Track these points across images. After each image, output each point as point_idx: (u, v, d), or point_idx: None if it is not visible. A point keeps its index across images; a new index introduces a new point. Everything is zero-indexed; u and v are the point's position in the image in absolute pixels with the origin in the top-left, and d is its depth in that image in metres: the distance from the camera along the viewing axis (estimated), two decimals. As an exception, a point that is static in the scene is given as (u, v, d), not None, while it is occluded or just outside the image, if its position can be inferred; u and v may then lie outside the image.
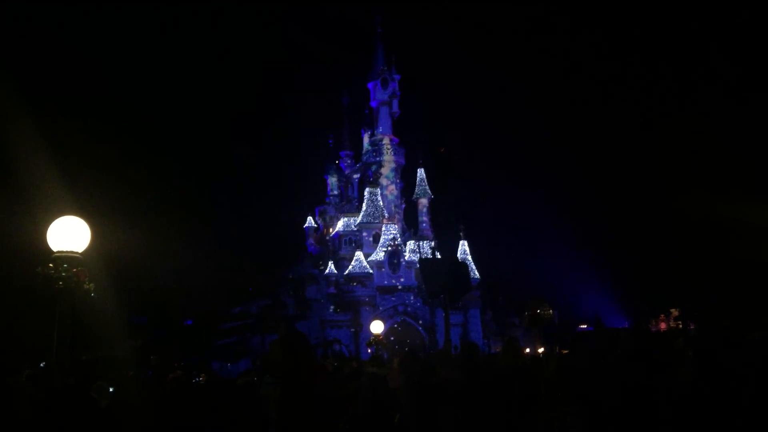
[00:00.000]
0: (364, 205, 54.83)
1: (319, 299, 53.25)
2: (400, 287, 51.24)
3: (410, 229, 56.88)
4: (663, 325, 57.41)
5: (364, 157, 59.43)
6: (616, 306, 60.78)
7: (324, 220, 61.86)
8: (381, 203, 54.40)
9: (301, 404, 5.77)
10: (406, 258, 51.85)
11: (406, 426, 6.41)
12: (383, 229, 53.03)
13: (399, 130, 59.20)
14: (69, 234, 6.63)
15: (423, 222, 55.81)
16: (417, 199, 56.34)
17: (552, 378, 6.86)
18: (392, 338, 47.48)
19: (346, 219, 56.41)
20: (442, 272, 13.82)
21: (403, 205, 58.32)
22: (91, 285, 6.62)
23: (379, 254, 51.96)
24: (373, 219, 53.63)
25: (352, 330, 49.45)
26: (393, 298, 50.91)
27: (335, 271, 53.22)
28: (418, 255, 49.31)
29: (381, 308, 49.59)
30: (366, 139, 61.13)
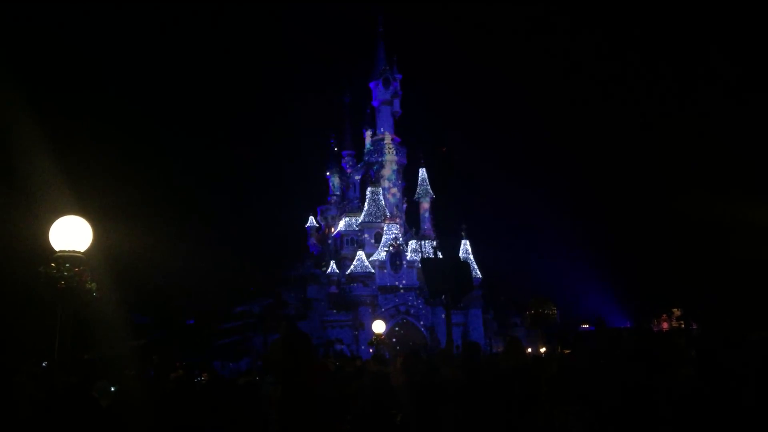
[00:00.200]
0: (365, 204, 54.85)
1: (321, 299, 53.28)
2: (401, 287, 51.23)
3: (412, 228, 56.88)
4: (665, 325, 57.37)
5: (366, 157, 59.44)
6: (618, 306, 60.78)
7: (326, 219, 61.92)
8: (383, 203, 54.42)
9: (302, 404, 5.77)
10: (407, 258, 51.86)
11: (408, 425, 6.42)
12: (385, 228, 53.04)
13: (400, 129, 59.27)
14: (71, 234, 6.64)
15: (425, 222, 55.78)
16: (419, 198, 56.33)
17: (554, 378, 6.85)
18: (394, 338, 47.50)
19: (347, 219, 56.43)
20: (443, 272, 13.82)
21: (405, 205, 58.33)
22: (93, 284, 6.63)
23: (380, 254, 51.97)
24: (375, 219, 53.65)
25: (354, 330, 49.47)
26: (395, 298, 50.91)
27: (337, 271, 53.25)
28: (420, 255, 49.33)
29: (382, 308, 49.60)
30: (368, 139, 61.15)
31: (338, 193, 63.16)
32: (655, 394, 5.56)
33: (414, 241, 53.28)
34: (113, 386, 8.99)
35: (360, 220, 54.54)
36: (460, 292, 14.51)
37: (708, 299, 45.02)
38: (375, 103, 58.92)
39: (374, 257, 51.79)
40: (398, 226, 53.88)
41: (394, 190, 56.91)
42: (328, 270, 53.73)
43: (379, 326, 22.60)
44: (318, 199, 63.98)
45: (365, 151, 60.47)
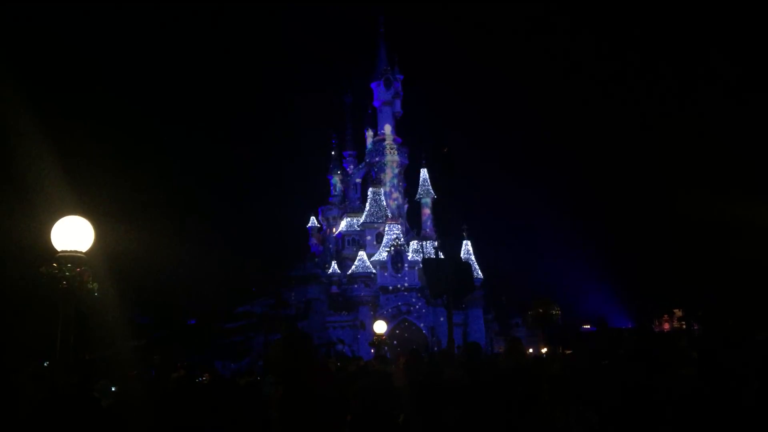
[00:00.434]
0: (367, 205, 54.85)
1: (322, 299, 53.29)
2: (402, 287, 51.23)
3: (413, 229, 56.88)
4: (666, 326, 57.32)
5: (367, 157, 59.45)
6: (619, 306, 60.77)
7: (327, 220, 61.92)
8: (384, 203, 54.43)
9: (303, 404, 5.77)
10: (409, 258, 51.85)
11: (410, 425, 6.42)
12: (386, 229, 53.05)
13: (402, 130, 59.27)
14: (72, 234, 6.64)
15: (426, 222, 55.78)
16: (420, 199, 56.33)
17: (555, 378, 6.86)
18: (395, 339, 47.49)
19: (349, 219, 56.45)
20: (445, 272, 13.85)
21: (406, 205, 58.32)
22: (95, 284, 6.64)
23: (382, 254, 51.97)
24: (376, 219, 53.66)
25: (355, 330, 49.48)
26: (396, 299, 50.91)
27: (338, 271, 53.27)
28: (421, 255, 49.34)
29: (384, 308, 49.59)
30: (369, 139, 61.16)
31: (339, 193, 63.17)
32: (656, 394, 5.56)
33: (415, 241, 53.29)
34: (114, 386, 9.00)
35: (361, 221, 54.55)
36: (462, 292, 14.54)
37: (709, 300, 44.98)
38: (376, 104, 58.92)
39: (375, 258, 51.79)
40: (399, 226, 53.88)
41: (396, 191, 56.92)
42: (330, 270, 53.75)
43: (380, 327, 22.60)
44: (319, 200, 64.05)
45: (366, 151, 60.48)
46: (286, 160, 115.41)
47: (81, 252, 6.64)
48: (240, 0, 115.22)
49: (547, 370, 7.23)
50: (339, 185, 63.51)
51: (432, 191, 55.92)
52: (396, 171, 57.32)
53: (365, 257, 51.44)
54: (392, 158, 57.09)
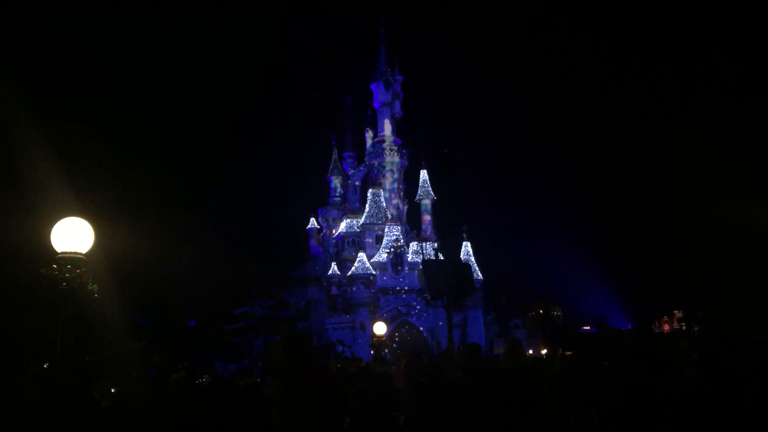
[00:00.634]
0: (366, 206, 54.84)
1: (321, 300, 53.31)
2: (401, 289, 51.23)
3: (413, 230, 56.87)
4: (666, 327, 57.30)
5: (367, 159, 59.43)
6: (619, 307, 60.74)
7: (326, 221, 61.91)
8: (384, 204, 54.42)
9: (303, 405, 5.78)
10: (408, 259, 51.85)
11: (412, 426, 6.42)
12: (386, 230, 53.05)
13: (401, 131, 59.23)
14: (72, 235, 6.65)
15: (426, 223, 55.78)
16: (420, 200, 56.33)
17: (555, 379, 6.86)
18: (394, 340, 47.51)
19: (348, 220, 56.45)
20: (445, 274, 13.85)
21: (406, 207, 58.31)
22: (95, 286, 6.64)
23: (381, 256, 51.96)
24: (376, 220, 53.66)
25: (355, 332, 49.47)
26: (395, 300, 50.92)
27: (338, 273, 53.29)
28: (421, 256, 49.31)
29: (383, 310, 49.60)
30: (368, 140, 61.15)
31: (339, 194, 63.16)
32: (657, 394, 5.56)
33: (415, 242, 53.27)
34: (114, 387, 8.99)
35: (361, 222, 54.54)
36: (461, 294, 14.55)
37: (710, 301, 44.99)
38: (376, 105, 58.92)
39: (375, 259, 51.79)
40: (399, 227, 53.88)
41: (395, 192, 56.92)
42: (329, 272, 53.78)
43: (380, 328, 22.60)
44: (319, 201, 64.02)
45: (366, 152, 60.46)
46: (286, 161, 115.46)
47: (81, 253, 6.64)
48: (240, 0, 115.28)
49: (547, 370, 7.23)
50: (339, 186, 63.50)
51: (432, 192, 55.92)
52: (396, 172, 57.33)
53: (365, 258, 51.43)
54: (392, 159, 57.09)
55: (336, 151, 65.02)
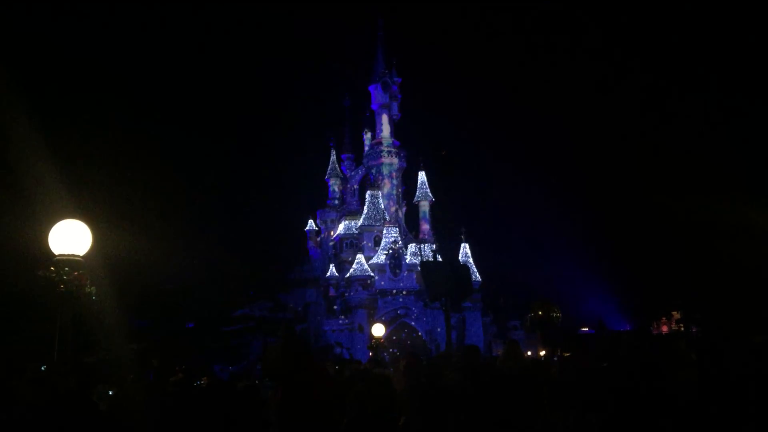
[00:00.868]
0: (365, 208, 54.86)
1: (320, 302, 53.29)
2: (400, 291, 51.23)
3: (411, 232, 56.90)
4: (665, 328, 57.37)
5: (365, 160, 59.47)
6: (617, 309, 60.78)
7: (325, 223, 61.95)
8: (382, 206, 54.43)
9: (301, 407, 5.77)
10: (406, 261, 51.87)
11: (411, 429, 6.41)
12: (384, 232, 53.07)
13: (400, 133, 59.34)
14: (70, 237, 6.63)
15: (424, 225, 55.82)
16: (418, 201, 56.37)
17: (553, 381, 6.85)
18: (393, 342, 47.50)
19: (347, 222, 56.46)
20: (443, 275, 13.82)
21: (404, 208, 58.35)
22: (93, 288, 6.62)
23: (380, 257, 51.97)
24: (374, 222, 53.68)
25: (353, 333, 49.46)
26: (393, 302, 50.92)
27: (336, 274, 53.28)
28: (419, 258, 49.33)
29: (382, 311, 49.60)
30: (367, 142, 61.20)
31: (338, 196, 63.21)
32: (655, 396, 5.56)
33: (413, 244, 53.29)
34: (112, 390, 8.97)
35: (359, 224, 54.55)
36: (460, 295, 14.51)
37: (708, 302, 45.05)
38: (374, 107, 58.97)
39: (373, 261, 51.80)
40: (397, 229, 53.91)
41: (394, 194, 56.93)
42: (328, 273, 53.78)
43: (378, 330, 22.58)
44: (317, 203, 64.11)
45: (364, 154, 60.52)
46: (285, 163, 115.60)
47: (78, 256, 6.62)
48: (239, 5, 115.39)
49: (546, 372, 7.22)
50: (337, 188, 63.55)
51: (430, 194, 55.97)
52: (394, 174, 57.36)
53: (363, 260, 51.43)
54: (390, 161, 57.14)
55: (334, 153, 65.08)
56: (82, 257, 6.66)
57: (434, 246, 50.25)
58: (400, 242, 52.89)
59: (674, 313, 58.87)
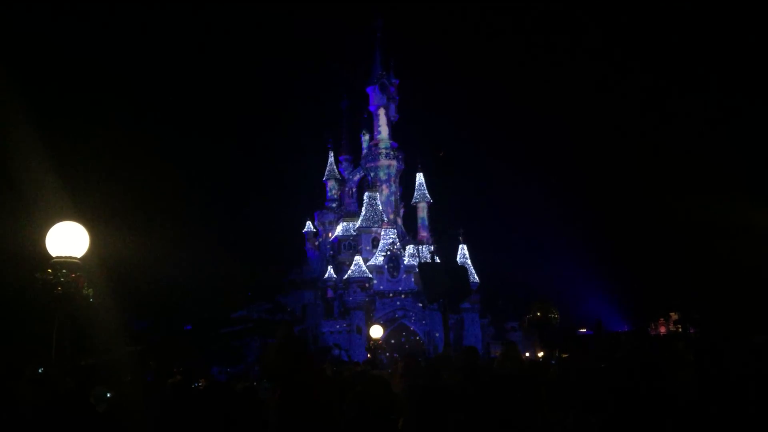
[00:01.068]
0: (363, 209, 54.84)
1: (318, 304, 53.25)
2: (398, 292, 51.20)
3: (409, 233, 56.88)
4: (663, 329, 57.36)
5: (363, 162, 59.46)
6: (616, 310, 60.75)
7: (323, 224, 61.90)
8: (380, 207, 54.42)
9: (299, 409, 5.76)
10: (405, 262, 51.86)
11: (409, 430, 6.40)
12: (382, 233, 53.05)
13: (398, 134, 59.31)
14: (67, 239, 6.62)
15: (422, 226, 55.81)
16: (416, 203, 56.36)
17: (552, 382, 6.85)
18: (391, 343, 47.46)
19: (345, 223, 56.44)
20: (441, 277, 13.84)
21: (402, 210, 58.34)
22: (90, 290, 6.62)
23: (378, 259, 51.96)
24: (372, 223, 53.66)
25: (351, 335, 49.43)
26: (392, 303, 50.89)
27: (334, 276, 53.23)
28: (417, 259, 49.32)
29: (380, 313, 49.57)
30: (365, 143, 61.20)
31: (336, 198, 63.18)
32: (654, 397, 5.56)
33: (411, 245, 53.27)
34: (110, 392, 8.96)
35: (357, 225, 54.53)
36: (458, 297, 14.52)
37: (707, 303, 45.05)
38: (372, 108, 58.96)
39: (371, 262, 51.78)
40: (395, 230, 53.90)
41: (392, 195, 56.93)
42: (325, 275, 53.71)
43: (376, 331, 22.60)
44: (315, 204, 64.01)
45: (362, 156, 60.50)
46: (283, 164, 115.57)
47: (76, 258, 6.61)
48: (239, 5, 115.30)
49: (544, 373, 7.23)
50: (335, 190, 63.53)
51: (428, 195, 55.97)
52: (392, 175, 57.36)
53: (361, 262, 51.41)
54: (388, 163, 57.14)
55: (332, 154, 65.04)
56: (80, 259, 6.65)
57: (432, 247, 50.25)
58: (398, 244, 52.88)
59: (672, 313, 58.90)
